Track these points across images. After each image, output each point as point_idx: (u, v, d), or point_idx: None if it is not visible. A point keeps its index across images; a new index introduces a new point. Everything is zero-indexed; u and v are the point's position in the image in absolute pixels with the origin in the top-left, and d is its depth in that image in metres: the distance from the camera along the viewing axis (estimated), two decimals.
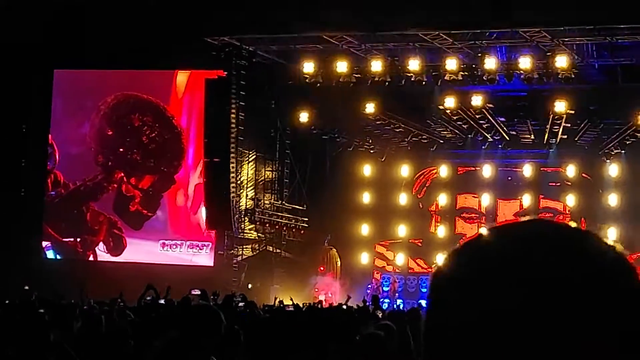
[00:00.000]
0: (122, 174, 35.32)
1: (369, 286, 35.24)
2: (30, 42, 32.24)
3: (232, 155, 31.70)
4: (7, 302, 14.04)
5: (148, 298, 18.38)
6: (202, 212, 33.40)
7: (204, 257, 34.36)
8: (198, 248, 34.50)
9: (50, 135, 36.06)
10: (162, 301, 16.09)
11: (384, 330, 8.59)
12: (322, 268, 34.81)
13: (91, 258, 35.34)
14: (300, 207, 35.26)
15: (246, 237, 33.58)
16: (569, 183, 34.52)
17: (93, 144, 35.50)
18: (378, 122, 33.80)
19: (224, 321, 6.29)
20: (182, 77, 34.77)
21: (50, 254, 35.84)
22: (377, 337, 7.87)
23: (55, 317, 7.89)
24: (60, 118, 36.17)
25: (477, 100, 30.81)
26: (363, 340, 7.65)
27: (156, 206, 35.12)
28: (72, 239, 35.61)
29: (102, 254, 35.26)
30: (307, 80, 30.55)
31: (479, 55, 29.03)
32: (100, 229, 35.39)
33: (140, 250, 34.66)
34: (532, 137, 34.02)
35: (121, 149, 35.25)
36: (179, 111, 34.77)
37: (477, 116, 32.48)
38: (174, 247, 34.64)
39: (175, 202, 34.93)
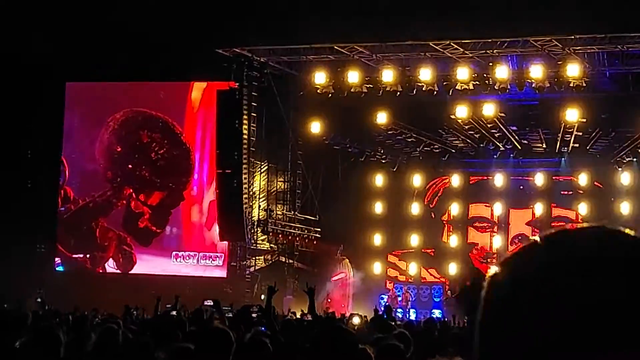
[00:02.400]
0: (131, 190, 35.30)
1: (383, 297, 35.16)
2: (43, 53, 32.34)
3: (244, 166, 31.75)
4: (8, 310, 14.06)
5: (168, 305, 18.41)
6: (216, 228, 33.26)
7: (217, 269, 34.35)
8: (211, 259, 34.48)
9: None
10: (173, 312, 16.11)
11: (400, 339, 8.55)
12: (334, 278, 34.72)
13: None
14: (313, 218, 35.24)
15: (259, 248, 33.59)
16: (581, 191, 34.44)
17: (102, 160, 35.48)
18: (390, 132, 33.81)
19: (234, 343, 6.28)
20: (197, 91, 34.78)
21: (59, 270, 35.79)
22: (396, 349, 7.83)
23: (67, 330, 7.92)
24: (69, 134, 36.18)
25: (488, 109, 30.81)
26: (382, 350, 7.59)
27: (165, 222, 35.10)
28: (81, 255, 35.53)
29: (112, 270, 35.19)
30: (318, 91, 30.60)
31: (490, 64, 29.05)
32: (110, 245, 35.32)
33: (150, 266, 34.57)
34: (544, 145, 33.97)
35: (130, 165, 35.25)
36: (193, 126, 34.69)
37: (489, 125, 32.47)
38: (187, 258, 34.63)
39: (190, 218, 34.90)
